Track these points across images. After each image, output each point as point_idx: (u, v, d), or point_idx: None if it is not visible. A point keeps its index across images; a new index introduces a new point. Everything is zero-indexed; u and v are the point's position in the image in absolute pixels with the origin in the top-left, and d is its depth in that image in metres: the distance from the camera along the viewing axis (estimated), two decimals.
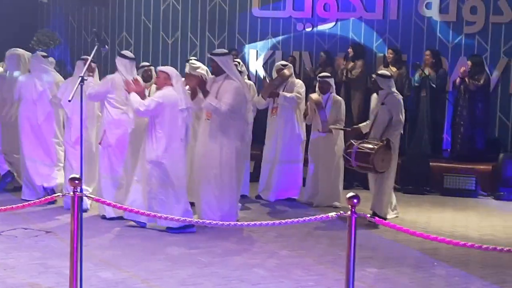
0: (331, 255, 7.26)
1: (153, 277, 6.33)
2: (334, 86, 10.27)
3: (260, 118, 11.01)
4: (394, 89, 9.19)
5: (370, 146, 8.85)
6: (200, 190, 8.56)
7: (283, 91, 10.28)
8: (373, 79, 9.44)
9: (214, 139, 8.49)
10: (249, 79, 11.98)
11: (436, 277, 6.66)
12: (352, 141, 9.10)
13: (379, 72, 9.81)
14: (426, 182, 11.57)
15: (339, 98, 10.26)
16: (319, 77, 10.35)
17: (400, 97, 9.21)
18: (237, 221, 8.40)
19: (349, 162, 9.07)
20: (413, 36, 13.88)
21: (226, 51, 9.12)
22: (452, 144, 12.72)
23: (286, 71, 10.37)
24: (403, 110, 9.16)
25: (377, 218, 4.99)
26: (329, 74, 10.51)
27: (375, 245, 7.82)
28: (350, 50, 13.25)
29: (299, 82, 10.56)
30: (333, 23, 14.27)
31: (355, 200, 4.49)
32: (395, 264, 7.06)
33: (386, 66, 13.03)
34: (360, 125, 9.52)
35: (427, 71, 12.68)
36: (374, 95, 9.36)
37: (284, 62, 10.90)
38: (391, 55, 13.04)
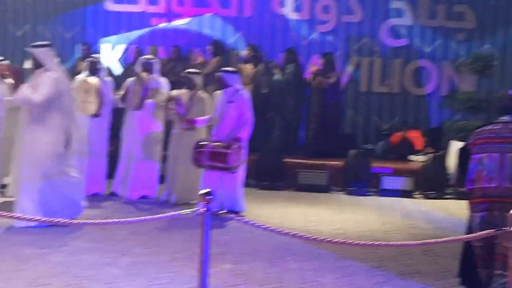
0: (186, 252, 7.18)
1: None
2: (200, 83, 10.06)
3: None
4: (241, 86, 9.20)
5: (224, 145, 8.83)
6: (20, 185, 8.20)
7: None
8: (217, 75, 9.35)
9: (31, 131, 8.15)
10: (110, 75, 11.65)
11: (289, 271, 6.73)
12: (203, 140, 9.07)
13: (226, 68, 9.73)
14: (280, 178, 11.72)
15: (205, 95, 10.08)
16: (183, 73, 10.24)
17: (248, 94, 9.23)
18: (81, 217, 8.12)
19: (199, 161, 8.97)
20: (269, 33, 14.06)
21: (46, 43, 8.65)
22: (306, 140, 12.99)
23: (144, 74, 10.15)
24: (251, 107, 9.17)
25: (232, 214, 4.96)
26: (195, 70, 10.37)
27: (230, 241, 7.82)
28: (210, 47, 13.24)
29: (161, 79, 10.37)
30: (188, 19, 14.22)
31: (208, 197, 4.43)
32: (249, 260, 7.08)
33: (244, 63, 13.13)
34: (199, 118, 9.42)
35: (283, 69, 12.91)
36: (218, 93, 9.31)
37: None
38: (249, 52, 13.13)
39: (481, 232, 4.62)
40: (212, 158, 8.85)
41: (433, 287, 6.46)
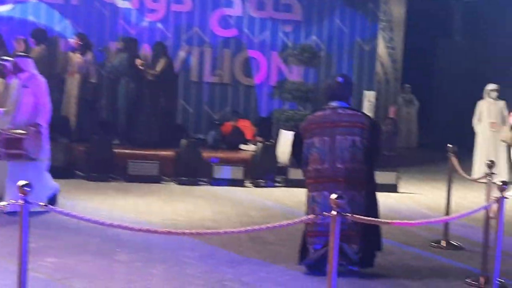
0: (8, 247, 6.83)
1: None
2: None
3: None
4: (36, 71, 8.78)
5: (21, 131, 8.39)
6: None
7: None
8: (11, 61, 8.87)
9: None
10: None
11: (117, 263, 6.58)
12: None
13: (19, 53, 9.22)
14: (110, 169, 11.47)
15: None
16: None
17: (43, 79, 8.79)
18: None
19: None
20: (97, 21, 13.72)
21: None
22: (137, 130, 12.77)
23: None
24: (48, 93, 8.74)
25: (51, 207, 4.75)
26: (7, 58, 9.85)
27: (56, 233, 7.54)
28: (32, 35, 12.72)
29: None
30: (11, 5, 13.60)
31: (27, 189, 4.19)
32: (76, 253, 6.86)
33: (72, 51, 12.76)
34: None
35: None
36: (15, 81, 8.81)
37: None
38: (76, 41, 12.74)
39: (303, 218, 4.70)
40: (8, 145, 8.34)
41: (262, 273, 6.52)
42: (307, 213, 6.63)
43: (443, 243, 8.09)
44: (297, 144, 6.83)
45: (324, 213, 4.66)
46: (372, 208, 6.62)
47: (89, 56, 12.68)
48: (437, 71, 19.19)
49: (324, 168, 6.56)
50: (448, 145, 8.35)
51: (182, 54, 13.92)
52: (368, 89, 14.24)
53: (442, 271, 7.00)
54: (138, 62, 12.55)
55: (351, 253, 6.55)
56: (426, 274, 6.86)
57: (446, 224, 8.12)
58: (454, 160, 8.23)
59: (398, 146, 15.48)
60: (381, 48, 15.80)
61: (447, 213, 8.14)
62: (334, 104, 6.73)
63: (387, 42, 16.00)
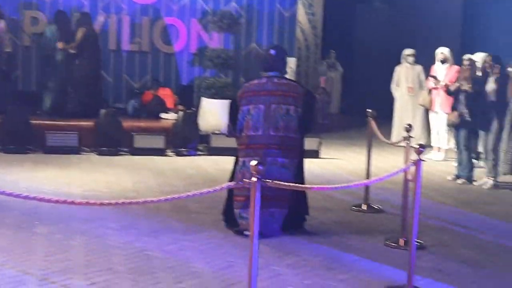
0: None
1: None
2: None
3: None
4: None
5: None
6: None
7: None
8: None
9: None
10: None
11: (37, 236, 6.45)
12: None
13: None
14: (28, 141, 11.19)
15: None
16: None
17: None
18: None
19: None
20: None
21: None
22: (54, 101, 12.49)
23: None
24: None
25: None
26: None
27: None
28: None
29: None
30: None
31: None
32: None
33: None
34: None
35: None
36: None
37: None
38: None
39: (224, 185, 4.67)
40: None
41: (185, 242, 6.49)
42: (235, 179, 6.82)
43: (364, 207, 8.21)
44: (233, 111, 7.05)
45: (245, 179, 4.65)
46: (300, 174, 6.96)
47: (2, 24, 12.28)
48: (357, 37, 19.36)
49: (258, 135, 6.81)
50: (368, 110, 8.45)
51: (99, 21, 13.62)
52: (289, 56, 14.23)
53: (363, 234, 7.11)
54: (60, 45, 12.26)
55: (281, 217, 6.80)
56: (348, 237, 6.95)
57: (367, 188, 8.24)
58: (373, 125, 8.33)
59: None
60: (301, 15, 15.81)
61: (367, 177, 8.25)
62: (270, 73, 6.99)
63: (307, 9, 16.01)
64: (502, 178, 9.89)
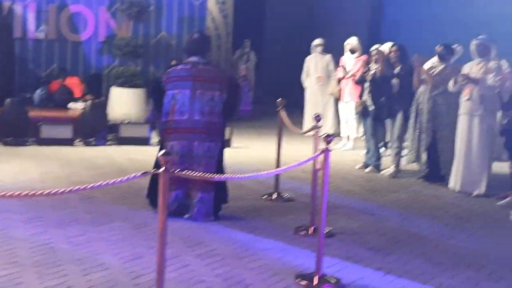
0: None
1: None
2: None
3: None
4: None
5: None
6: None
7: None
8: None
9: None
10: None
11: None
12: None
13: None
14: None
15: None
16: None
17: None
18: None
19: None
20: None
21: None
22: None
23: None
24: None
25: None
26: None
27: None
28: None
29: None
30: None
31: None
32: None
33: None
34: None
35: None
36: None
37: None
38: None
39: (137, 174, 4.58)
40: None
41: (93, 233, 6.37)
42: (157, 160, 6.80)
43: (275, 196, 8.26)
44: (157, 96, 7.22)
45: (152, 170, 4.57)
46: (221, 159, 7.25)
47: None
48: (268, 26, 19.42)
49: (183, 119, 7.02)
50: (278, 99, 8.48)
51: (5, 8, 13.22)
52: None
53: (274, 223, 7.15)
54: None
55: (210, 201, 7.06)
56: (258, 226, 6.97)
57: (277, 177, 8.29)
58: (283, 114, 8.37)
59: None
60: (211, 3, 15.76)
61: (277, 166, 8.29)
62: (193, 59, 7.17)
63: None
64: (408, 166, 10.12)
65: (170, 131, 7.08)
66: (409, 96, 9.74)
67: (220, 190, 7.21)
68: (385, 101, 9.97)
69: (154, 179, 6.90)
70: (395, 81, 9.87)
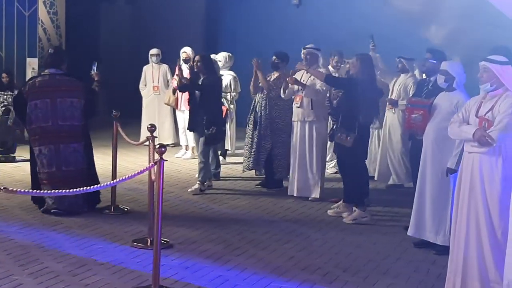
0: None
1: None
2: None
3: None
4: None
5: None
6: None
7: None
8: None
9: None
10: None
11: None
12: None
13: None
14: None
15: None
16: None
17: None
18: None
19: None
20: None
21: None
22: None
23: None
24: None
25: None
26: None
27: None
28: None
29: None
30: None
31: None
32: None
33: None
34: None
35: None
36: None
37: None
38: None
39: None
40: None
41: None
42: (36, 166, 7.89)
43: (112, 208, 8.11)
44: (20, 106, 8.07)
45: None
46: (90, 154, 8.17)
47: None
48: (102, 36, 19.09)
49: (48, 125, 7.83)
50: (113, 111, 8.35)
51: None
52: (31, 56, 13.77)
53: (111, 236, 7.02)
54: None
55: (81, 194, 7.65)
56: (95, 240, 6.83)
57: (113, 189, 8.15)
58: (118, 126, 8.25)
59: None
60: (43, 14, 15.29)
61: (114, 178, 8.15)
62: (50, 71, 8.03)
63: (49, 8, 15.51)
64: (247, 174, 10.25)
65: (38, 137, 7.86)
66: (211, 109, 9.25)
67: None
68: (189, 112, 9.68)
69: (34, 178, 7.96)
70: (198, 92, 9.40)
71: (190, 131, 9.97)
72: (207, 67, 9.33)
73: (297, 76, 9.08)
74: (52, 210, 7.77)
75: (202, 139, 9.34)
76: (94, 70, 8.49)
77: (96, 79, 8.40)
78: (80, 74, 8.50)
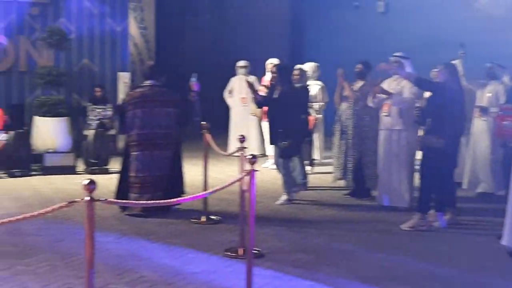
0: None
1: None
2: None
3: None
4: None
5: None
6: None
7: None
8: None
9: None
10: None
11: None
12: None
13: None
14: None
15: None
16: None
17: None
18: None
19: None
20: None
21: None
22: None
23: None
24: None
25: None
26: None
27: None
28: None
29: None
30: None
31: None
32: None
33: None
34: None
35: None
36: None
37: None
38: None
39: (60, 205, 4.52)
40: None
41: (20, 266, 6.26)
42: (127, 170, 8.53)
43: (203, 219, 8.27)
44: (122, 115, 8.71)
45: (77, 199, 4.51)
46: (178, 162, 8.79)
47: None
48: (187, 49, 19.46)
49: (145, 133, 8.50)
50: (202, 122, 8.53)
51: None
52: (123, 70, 14.14)
53: (203, 246, 7.15)
54: None
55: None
56: (188, 250, 6.96)
57: (205, 200, 8.30)
58: (208, 137, 8.41)
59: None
60: (133, 29, 15.73)
61: (205, 189, 8.31)
62: (149, 82, 8.70)
63: (139, 23, 15.95)
64: (335, 184, 10.27)
65: (136, 143, 8.52)
66: (287, 121, 9.09)
67: (177, 184, 8.72)
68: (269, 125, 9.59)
69: (122, 181, 8.57)
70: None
71: (271, 144, 9.96)
72: (283, 79, 9.28)
73: (384, 85, 9.06)
74: (136, 213, 8.37)
75: (277, 151, 9.40)
76: (193, 80, 8.88)
77: (193, 89, 8.77)
78: (169, 86, 8.82)
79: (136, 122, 8.53)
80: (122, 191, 8.56)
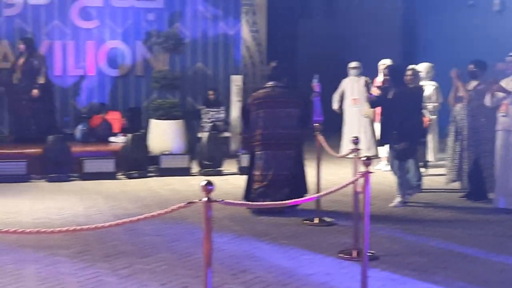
0: None
1: None
2: None
3: None
4: None
5: None
6: None
7: None
8: None
9: None
10: None
11: None
12: None
13: None
14: None
15: None
16: None
17: None
18: None
19: None
20: None
21: None
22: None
23: None
24: None
25: None
26: None
27: None
28: None
29: None
30: None
31: None
32: None
33: None
34: None
35: None
36: None
37: None
38: None
39: (179, 205, 4.65)
40: None
41: (139, 265, 6.45)
42: (253, 168, 8.83)
43: (316, 220, 8.28)
44: (246, 115, 9.05)
45: (195, 200, 4.62)
46: (302, 160, 8.89)
47: None
48: (300, 51, 19.52)
49: (268, 133, 8.71)
50: (314, 124, 8.55)
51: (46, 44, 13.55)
52: (235, 74, 14.33)
53: (316, 247, 7.16)
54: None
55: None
56: (301, 251, 6.99)
57: (318, 201, 8.31)
58: (321, 139, 8.42)
59: None
60: (245, 32, 15.91)
61: (318, 191, 8.32)
62: (271, 83, 8.87)
63: (251, 26, 16.11)
64: (449, 186, 10.06)
65: (259, 143, 8.77)
66: (401, 122, 8.96)
67: (301, 185, 8.80)
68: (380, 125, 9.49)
69: (250, 181, 8.86)
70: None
71: (380, 145, 9.93)
72: (395, 79, 9.15)
73: (503, 84, 8.82)
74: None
75: (392, 153, 9.29)
76: (314, 81, 9.04)
77: (315, 90, 8.92)
78: (291, 87, 9.04)
79: (259, 122, 8.77)
80: (248, 189, 8.91)
